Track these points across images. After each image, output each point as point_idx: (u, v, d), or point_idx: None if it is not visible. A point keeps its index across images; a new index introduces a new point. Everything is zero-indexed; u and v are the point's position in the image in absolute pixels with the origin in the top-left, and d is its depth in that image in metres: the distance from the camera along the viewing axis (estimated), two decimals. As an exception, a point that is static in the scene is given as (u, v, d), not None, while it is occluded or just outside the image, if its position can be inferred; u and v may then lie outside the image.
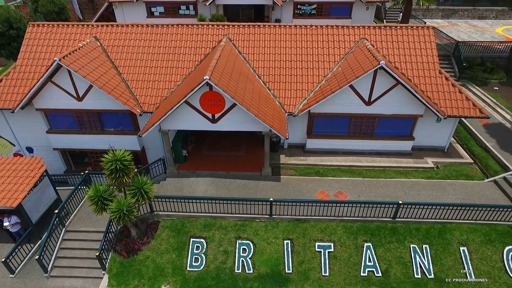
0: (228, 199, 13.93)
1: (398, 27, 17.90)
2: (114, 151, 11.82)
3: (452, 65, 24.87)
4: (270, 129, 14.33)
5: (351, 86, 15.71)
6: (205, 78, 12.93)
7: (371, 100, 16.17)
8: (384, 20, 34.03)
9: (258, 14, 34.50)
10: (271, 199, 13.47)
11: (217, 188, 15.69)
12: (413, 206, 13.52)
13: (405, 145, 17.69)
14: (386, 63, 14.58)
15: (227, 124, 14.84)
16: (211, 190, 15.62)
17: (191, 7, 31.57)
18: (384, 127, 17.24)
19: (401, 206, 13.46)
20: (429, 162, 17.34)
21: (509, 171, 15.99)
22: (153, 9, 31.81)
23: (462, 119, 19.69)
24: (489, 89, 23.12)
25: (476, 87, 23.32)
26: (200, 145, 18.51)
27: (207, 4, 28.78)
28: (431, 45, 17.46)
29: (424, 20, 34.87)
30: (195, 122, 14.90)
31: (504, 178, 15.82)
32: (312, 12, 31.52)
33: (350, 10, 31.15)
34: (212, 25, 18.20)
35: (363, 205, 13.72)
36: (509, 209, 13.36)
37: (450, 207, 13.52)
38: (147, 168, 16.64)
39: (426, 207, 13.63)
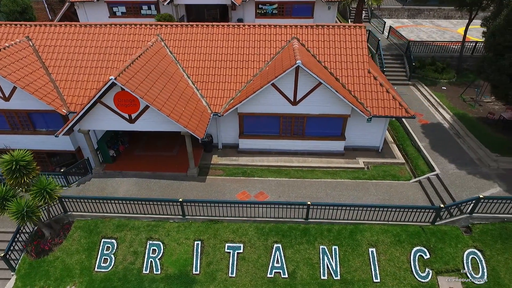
0: (140, 200, 13.87)
1: (331, 27, 17.82)
2: (9, 151, 11.75)
3: (404, 64, 24.76)
4: (183, 130, 14.26)
5: (275, 86, 15.63)
6: (110, 78, 12.88)
7: (297, 100, 16.09)
8: (349, 20, 33.91)
9: (224, 14, 34.40)
10: (180, 199, 13.40)
11: (139, 189, 15.64)
12: (323, 207, 13.45)
13: (337, 145, 17.61)
14: (304, 63, 14.50)
15: (144, 124, 14.77)
16: (133, 190, 15.58)
17: (152, 7, 31.48)
18: (315, 127, 17.17)
19: (311, 207, 13.39)
20: (360, 162, 17.26)
21: (434, 172, 15.89)
22: (114, 9, 31.72)
23: (403, 119, 19.73)
24: (437, 89, 23.02)
25: (425, 86, 23.22)
26: (134, 145, 18.45)
27: (165, 4, 28.67)
28: (362, 44, 17.38)
29: (391, 19, 34.82)
30: (113, 122, 14.83)
31: (428, 179, 15.75)
32: (273, 11, 31.42)
33: (311, 10, 31.05)
34: (145, 25, 18.13)
35: (275, 205, 13.66)
36: (420, 210, 13.28)
37: (362, 208, 13.44)
38: (77, 167, 16.63)
39: (338, 208, 13.54)
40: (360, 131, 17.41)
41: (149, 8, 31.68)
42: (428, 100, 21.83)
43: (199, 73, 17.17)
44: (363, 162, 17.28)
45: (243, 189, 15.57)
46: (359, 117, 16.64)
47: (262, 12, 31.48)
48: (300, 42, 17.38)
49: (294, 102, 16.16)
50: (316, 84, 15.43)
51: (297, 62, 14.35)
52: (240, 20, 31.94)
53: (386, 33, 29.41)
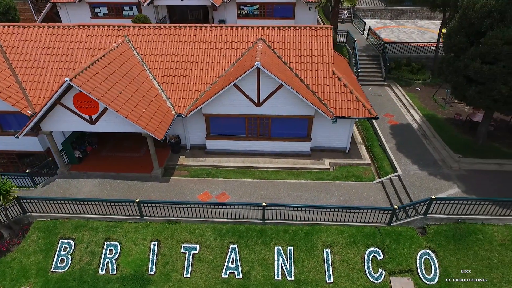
0: (98, 200, 13.93)
1: (297, 28, 17.88)
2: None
3: (380, 65, 24.81)
4: (143, 131, 14.33)
5: (237, 87, 15.69)
6: (65, 79, 12.94)
7: (260, 101, 16.15)
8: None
9: (207, 15, 34.40)
10: (137, 200, 13.47)
11: (102, 189, 15.70)
12: (280, 208, 13.51)
13: (304, 146, 17.67)
14: (264, 64, 14.57)
15: (105, 125, 14.84)
16: (96, 191, 15.64)
17: (134, 8, 31.56)
18: (280, 128, 17.23)
19: (266, 208, 13.45)
20: (326, 163, 17.31)
21: (396, 173, 15.94)
22: (96, 10, 31.81)
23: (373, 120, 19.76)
24: (411, 90, 23.05)
25: (400, 87, 23.27)
26: (102, 146, 18.51)
27: (145, 5, 28.74)
28: (327, 45, 17.43)
29: (374, 20, 34.86)
30: (74, 123, 14.89)
31: (390, 180, 15.80)
32: (255, 12, 31.48)
33: (293, 11, 31.11)
34: (114, 26, 18.19)
35: (232, 206, 13.72)
36: (376, 211, 13.33)
37: (318, 209, 13.49)
38: (43, 167, 16.73)
39: (295, 209, 13.59)
40: (326, 132, 17.46)
41: (131, 9, 31.76)
42: (401, 101, 21.88)
43: (165, 74, 17.24)
44: (329, 163, 17.33)
45: (205, 190, 15.62)
46: (324, 118, 16.66)
47: (244, 13, 31.54)
48: (266, 43, 17.42)
49: (258, 103, 16.21)
50: (278, 85, 15.49)
51: (256, 63, 14.42)
52: (221, 21, 32.00)
53: (366, 34, 29.43)
